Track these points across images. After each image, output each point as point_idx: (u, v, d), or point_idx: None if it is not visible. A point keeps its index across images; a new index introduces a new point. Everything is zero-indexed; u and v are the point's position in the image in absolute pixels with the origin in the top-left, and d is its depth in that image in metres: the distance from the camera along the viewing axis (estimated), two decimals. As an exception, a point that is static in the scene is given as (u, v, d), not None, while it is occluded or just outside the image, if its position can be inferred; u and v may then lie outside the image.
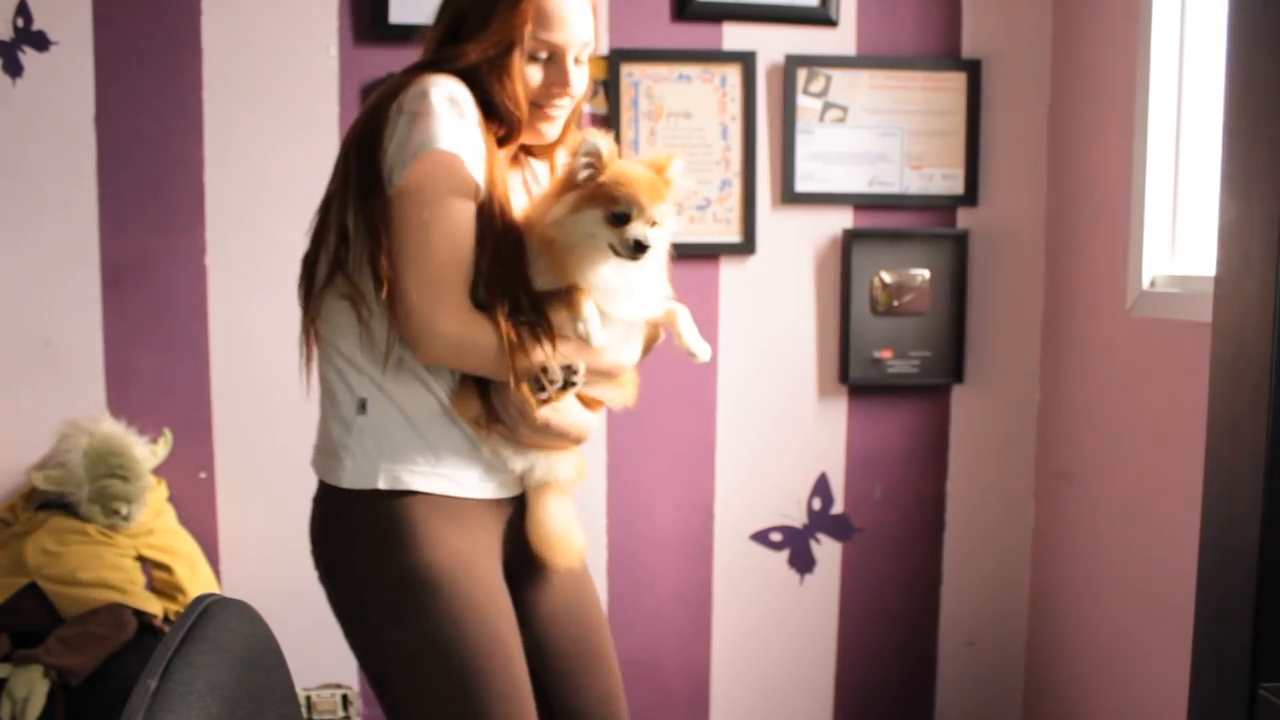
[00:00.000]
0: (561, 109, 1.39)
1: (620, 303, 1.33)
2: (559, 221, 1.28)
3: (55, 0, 2.06)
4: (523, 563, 1.41)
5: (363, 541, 1.32)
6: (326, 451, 1.37)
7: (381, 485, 1.30)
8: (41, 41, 2.06)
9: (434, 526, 1.30)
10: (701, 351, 1.40)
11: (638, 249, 1.26)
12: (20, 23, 2.06)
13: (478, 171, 1.28)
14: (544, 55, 1.35)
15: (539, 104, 1.37)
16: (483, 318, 1.28)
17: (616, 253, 1.28)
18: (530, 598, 1.42)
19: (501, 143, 1.35)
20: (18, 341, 2.09)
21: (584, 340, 1.29)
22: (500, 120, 1.34)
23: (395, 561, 1.29)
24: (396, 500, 1.30)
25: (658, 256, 1.33)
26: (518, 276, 1.30)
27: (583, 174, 1.29)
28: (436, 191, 1.26)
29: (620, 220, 1.27)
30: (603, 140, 1.29)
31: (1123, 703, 2.05)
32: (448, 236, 1.27)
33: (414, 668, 1.30)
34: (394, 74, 1.39)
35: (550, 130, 1.40)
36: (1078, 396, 2.23)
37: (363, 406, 1.33)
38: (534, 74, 1.35)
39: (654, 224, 1.28)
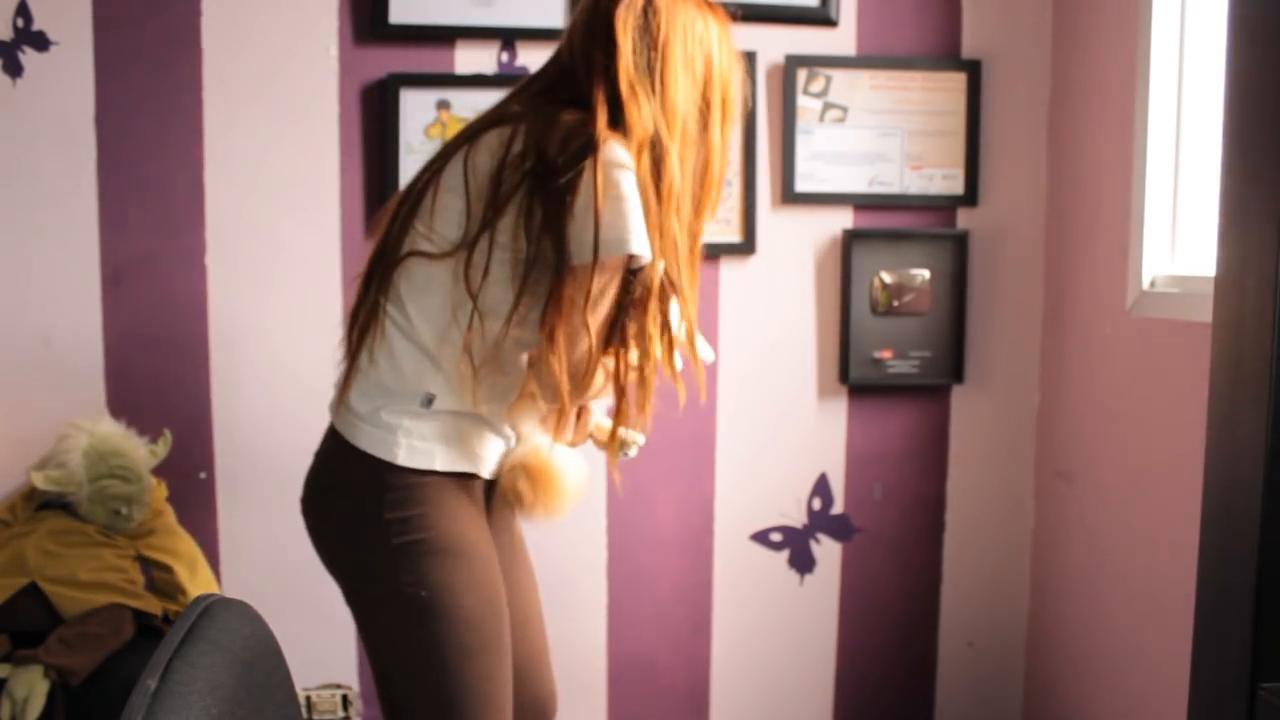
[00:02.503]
0: None
1: None
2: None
3: (55, 0, 2.06)
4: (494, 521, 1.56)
5: (391, 507, 1.38)
6: (378, 425, 1.40)
7: (436, 466, 1.39)
8: (41, 41, 2.06)
9: (457, 501, 1.42)
10: (706, 354, 1.47)
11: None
12: (20, 23, 2.06)
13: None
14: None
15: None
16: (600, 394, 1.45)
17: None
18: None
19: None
20: (18, 341, 2.09)
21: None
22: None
23: (418, 535, 1.38)
24: (427, 476, 1.40)
25: None
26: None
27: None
28: (605, 289, 1.35)
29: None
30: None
31: (1123, 703, 2.05)
32: (599, 334, 1.37)
33: (433, 630, 1.38)
34: (560, 111, 1.40)
35: None
36: (1078, 396, 2.23)
37: (429, 402, 1.40)
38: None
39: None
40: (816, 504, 2.34)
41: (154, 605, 1.90)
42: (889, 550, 2.37)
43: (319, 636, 2.21)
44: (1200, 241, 1.94)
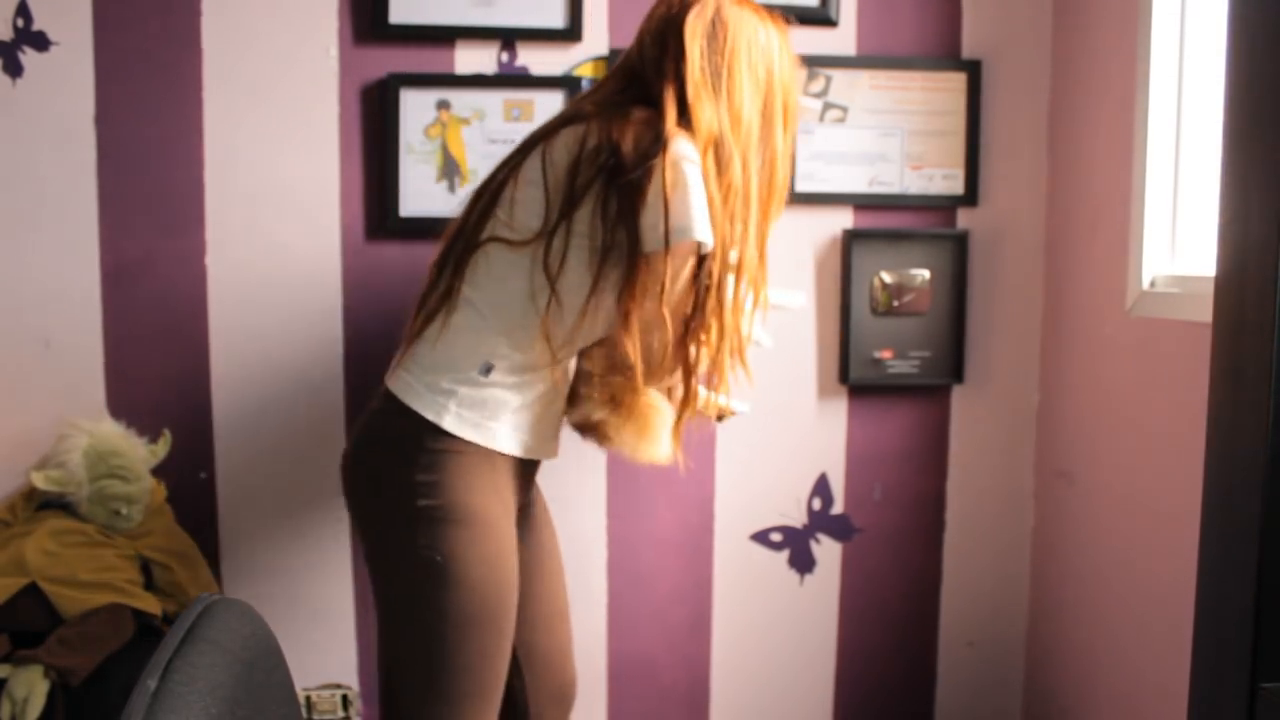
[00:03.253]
0: None
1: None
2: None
3: (55, 0, 2.06)
4: (523, 512, 1.64)
5: (424, 469, 1.46)
6: (433, 389, 1.48)
7: (479, 440, 1.47)
8: (41, 42, 2.06)
9: (488, 477, 1.48)
10: (796, 300, 1.79)
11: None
12: (20, 23, 2.06)
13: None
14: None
15: None
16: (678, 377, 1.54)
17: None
18: (520, 549, 1.58)
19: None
20: (18, 341, 2.09)
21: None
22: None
23: (449, 504, 1.45)
24: (466, 446, 1.47)
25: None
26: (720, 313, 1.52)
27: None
28: (677, 276, 1.44)
29: None
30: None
31: (1123, 703, 2.05)
32: (674, 319, 1.46)
33: (439, 596, 1.44)
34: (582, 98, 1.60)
35: None
36: (1078, 396, 2.23)
37: (488, 371, 1.48)
38: None
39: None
40: (816, 504, 2.34)
41: (154, 605, 1.90)
42: (889, 550, 2.37)
43: (319, 636, 2.21)
44: (1200, 241, 1.94)
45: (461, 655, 1.43)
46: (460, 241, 1.53)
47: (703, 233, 1.42)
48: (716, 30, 1.49)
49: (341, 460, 1.58)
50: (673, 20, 1.50)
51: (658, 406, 1.54)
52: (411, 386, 1.50)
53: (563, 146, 1.46)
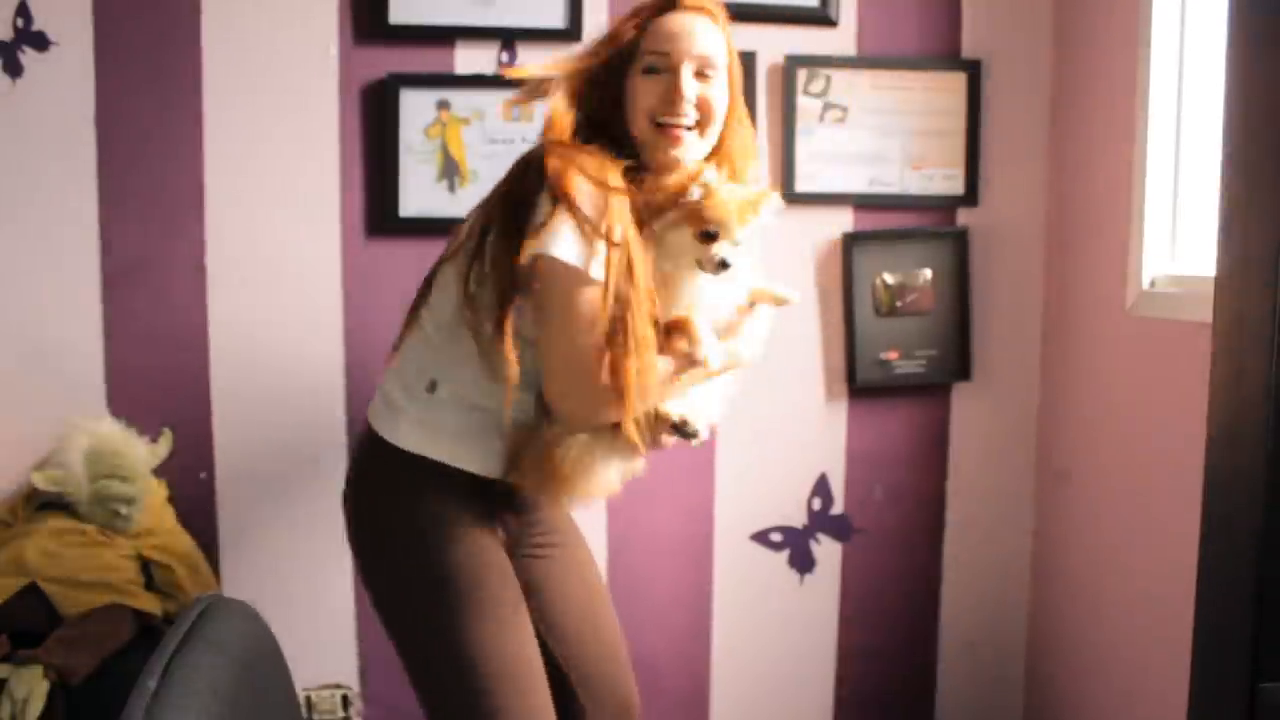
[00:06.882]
0: (684, 128, 1.44)
1: (708, 313, 1.43)
2: (658, 236, 1.41)
3: (55, 0, 2.06)
4: (523, 536, 1.59)
5: (389, 491, 1.46)
6: (390, 406, 1.49)
7: (428, 454, 1.43)
8: (41, 41, 2.06)
9: (446, 493, 1.45)
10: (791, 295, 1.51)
11: (722, 265, 1.38)
12: (20, 23, 2.06)
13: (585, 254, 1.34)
14: (657, 69, 1.43)
15: (660, 123, 1.43)
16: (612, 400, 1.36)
17: (701, 267, 1.39)
18: (519, 565, 1.54)
19: (638, 171, 1.42)
20: (18, 341, 2.09)
21: (704, 363, 1.38)
22: (631, 151, 1.43)
23: (415, 514, 1.44)
24: (427, 464, 1.44)
25: (739, 275, 1.42)
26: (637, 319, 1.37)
27: (694, 197, 1.40)
28: (556, 297, 1.35)
29: (708, 238, 1.38)
30: (713, 172, 1.41)
31: (1123, 703, 2.05)
32: (577, 357, 1.36)
33: (417, 601, 1.43)
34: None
35: (678, 153, 1.45)
36: (1078, 396, 2.23)
37: (432, 387, 1.45)
38: (648, 90, 1.43)
39: (737, 245, 1.39)
40: (816, 504, 2.34)
41: (154, 605, 1.90)
42: (889, 550, 2.37)
43: (319, 636, 2.21)
44: (1200, 241, 1.94)
45: (476, 644, 1.40)
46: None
47: (564, 252, 1.32)
48: None
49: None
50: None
51: (567, 453, 1.43)
52: (375, 407, 1.51)
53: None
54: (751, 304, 1.49)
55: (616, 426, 1.40)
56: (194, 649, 0.85)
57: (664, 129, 1.44)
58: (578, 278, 1.33)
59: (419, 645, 1.45)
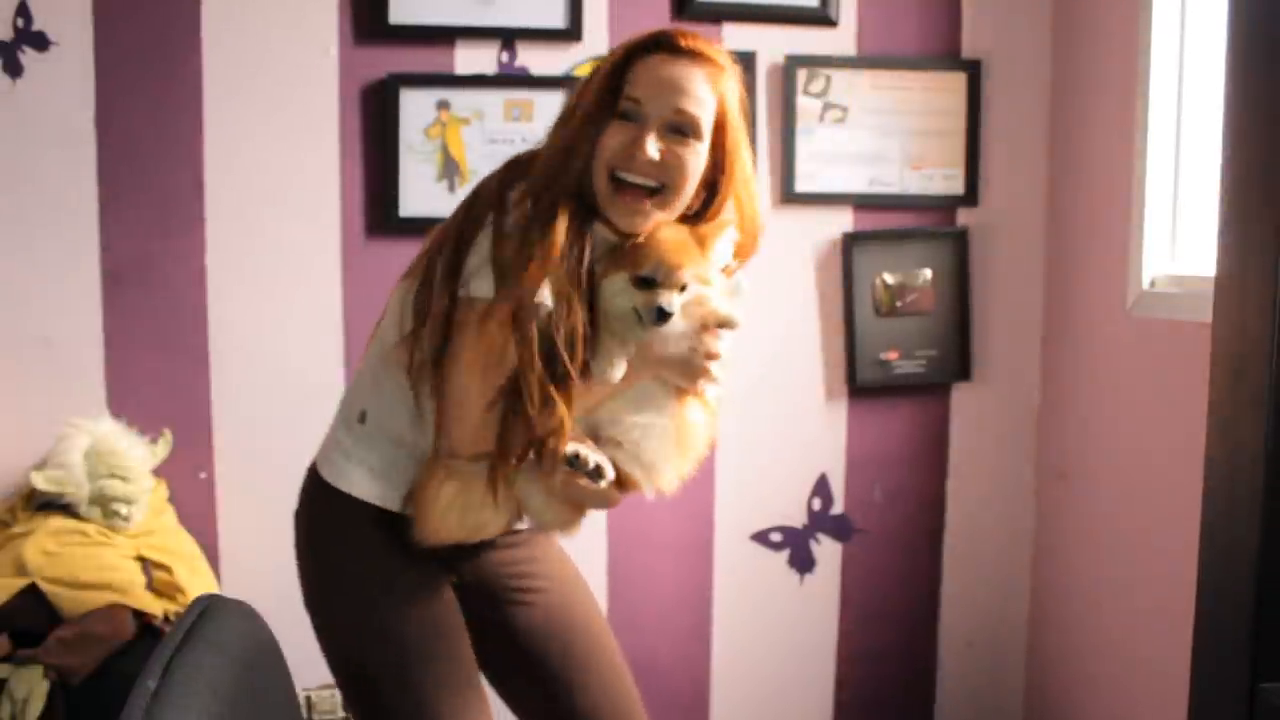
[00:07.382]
0: (640, 189, 1.25)
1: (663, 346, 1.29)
2: (599, 284, 1.25)
3: (55, 0, 2.06)
4: (483, 585, 1.45)
5: (326, 532, 1.42)
6: (330, 432, 1.44)
7: (350, 490, 1.36)
8: (41, 41, 2.06)
9: (368, 532, 1.37)
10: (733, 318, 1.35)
11: (660, 316, 1.22)
12: (20, 23, 2.05)
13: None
14: (629, 116, 1.25)
15: (617, 179, 1.25)
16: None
17: (638, 318, 1.23)
18: (504, 615, 1.46)
19: (588, 220, 1.26)
20: (18, 341, 2.09)
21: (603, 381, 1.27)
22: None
23: (352, 566, 1.39)
24: (357, 504, 1.36)
25: (681, 323, 1.27)
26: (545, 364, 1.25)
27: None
28: (471, 323, 1.26)
29: (646, 284, 1.22)
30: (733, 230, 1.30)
31: (1123, 703, 2.05)
32: (475, 383, 1.26)
33: (362, 652, 1.38)
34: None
35: (633, 222, 1.26)
36: (1078, 396, 2.23)
37: (362, 418, 1.38)
38: (613, 136, 1.25)
39: (683, 288, 1.24)
40: (816, 504, 2.34)
41: (154, 605, 1.90)
42: (889, 550, 2.36)
43: (319, 636, 2.20)
44: (1200, 241, 1.94)
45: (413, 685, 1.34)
46: None
47: (481, 290, 1.24)
48: None
49: None
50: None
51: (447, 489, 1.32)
52: (320, 451, 1.44)
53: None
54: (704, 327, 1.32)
55: (495, 471, 1.27)
56: (194, 649, 0.85)
57: (621, 189, 1.25)
58: (488, 314, 1.23)
59: (363, 712, 1.40)
